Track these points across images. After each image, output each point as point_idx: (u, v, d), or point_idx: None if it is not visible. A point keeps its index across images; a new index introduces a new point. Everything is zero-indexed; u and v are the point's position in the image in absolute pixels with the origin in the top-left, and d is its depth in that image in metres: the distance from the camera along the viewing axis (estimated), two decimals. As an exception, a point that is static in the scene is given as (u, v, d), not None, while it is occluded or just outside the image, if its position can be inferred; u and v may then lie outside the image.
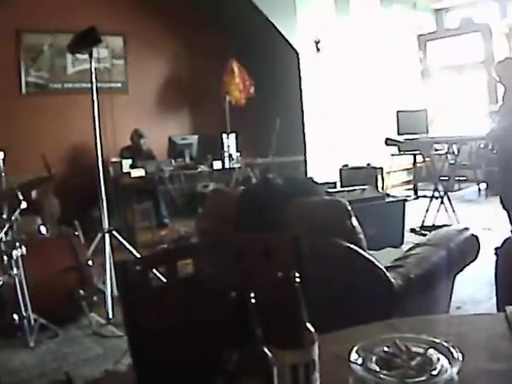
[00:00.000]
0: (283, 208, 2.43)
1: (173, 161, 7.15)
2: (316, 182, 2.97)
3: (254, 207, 2.57)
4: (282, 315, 1.05)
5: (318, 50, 8.93)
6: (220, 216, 2.71)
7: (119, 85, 8.57)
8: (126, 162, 6.87)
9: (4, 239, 3.81)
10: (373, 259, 2.47)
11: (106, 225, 4.97)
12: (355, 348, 1.25)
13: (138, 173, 6.75)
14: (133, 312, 1.34)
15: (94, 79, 5.00)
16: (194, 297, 1.41)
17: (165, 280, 1.40)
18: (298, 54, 8.81)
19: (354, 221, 2.50)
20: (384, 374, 1.17)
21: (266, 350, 0.97)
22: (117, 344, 3.85)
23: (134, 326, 1.35)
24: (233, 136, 7.60)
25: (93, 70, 5.02)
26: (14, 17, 7.72)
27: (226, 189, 4.46)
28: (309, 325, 1.08)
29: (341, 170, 7.90)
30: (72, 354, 3.74)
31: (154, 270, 1.46)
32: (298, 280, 1.04)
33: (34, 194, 4.24)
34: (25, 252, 3.83)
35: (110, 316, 4.32)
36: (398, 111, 9.66)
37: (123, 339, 3.88)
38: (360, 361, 1.22)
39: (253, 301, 0.94)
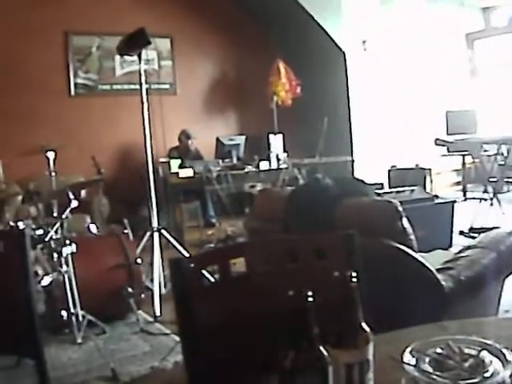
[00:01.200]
0: (333, 208, 2.42)
1: (220, 161, 7.17)
2: (365, 183, 2.95)
3: (304, 207, 2.57)
4: (338, 314, 1.05)
5: (365, 49, 8.86)
6: (269, 216, 2.71)
7: (167, 86, 8.66)
8: (175, 162, 6.92)
9: (54, 237, 3.85)
10: (423, 261, 2.44)
11: (155, 223, 5.03)
12: (409, 349, 1.24)
13: (186, 173, 6.80)
14: (186, 309, 1.35)
15: (143, 80, 5.04)
16: (247, 295, 1.42)
17: (217, 278, 1.41)
18: (344, 53, 8.76)
19: (405, 222, 2.47)
20: (437, 375, 1.17)
21: (322, 348, 0.96)
22: (163, 341, 3.88)
23: (187, 323, 1.36)
24: (279, 136, 7.60)
25: (142, 71, 5.05)
26: (62, 19, 7.89)
27: (274, 189, 4.46)
28: (364, 324, 1.07)
29: (389, 170, 7.82)
30: (119, 351, 3.77)
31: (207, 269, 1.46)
32: (354, 279, 1.04)
33: (83, 193, 4.30)
34: (75, 250, 3.86)
35: (158, 314, 4.35)
36: (447, 111, 9.51)
37: (170, 337, 3.93)
38: (413, 362, 1.21)
39: (310, 299, 0.94)
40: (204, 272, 1.38)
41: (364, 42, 8.82)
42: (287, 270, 1.47)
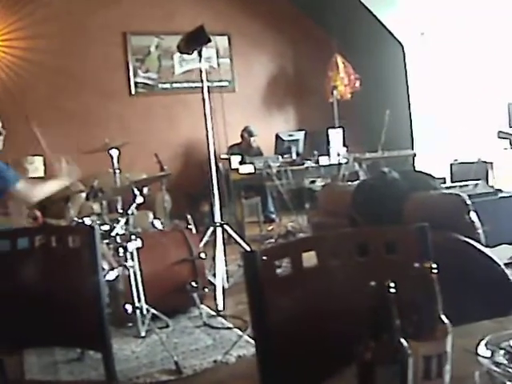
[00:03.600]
0: (400, 202, 2.40)
1: (280, 157, 7.20)
2: (433, 176, 2.91)
3: (371, 201, 2.55)
4: (417, 306, 1.05)
5: (424, 41, 8.72)
6: (333, 210, 2.70)
7: (226, 83, 8.73)
8: (235, 159, 6.97)
9: (120, 232, 3.93)
10: (492, 255, 2.40)
11: (217, 219, 5.08)
12: (483, 342, 1.23)
13: (247, 169, 6.84)
14: (259, 302, 1.37)
15: (203, 78, 5.08)
16: (320, 288, 1.43)
17: (290, 271, 1.41)
18: (402, 45, 8.64)
19: (473, 215, 2.43)
20: None
21: (402, 340, 0.96)
22: (226, 335, 3.91)
23: (260, 315, 1.37)
24: (339, 131, 7.55)
25: (202, 68, 5.09)
26: (120, 20, 8.06)
27: (338, 183, 4.43)
28: (443, 316, 1.06)
29: (451, 164, 7.68)
30: (182, 345, 3.81)
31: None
32: (433, 271, 1.03)
33: (145, 190, 4.37)
34: (140, 245, 3.92)
35: (220, 308, 4.40)
36: (509, 103, 9.26)
37: (233, 331, 3.95)
38: (488, 354, 1.20)
39: (392, 290, 0.93)
40: (277, 264, 1.39)
41: (422, 33, 8.67)
42: (360, 263, 1.48)
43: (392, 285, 0.93)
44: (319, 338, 1.36)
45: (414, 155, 7.46)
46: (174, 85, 8.60)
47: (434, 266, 1.03)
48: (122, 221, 3.95)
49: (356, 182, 3.32)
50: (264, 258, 1.36)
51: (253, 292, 1.36)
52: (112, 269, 3.84)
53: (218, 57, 8.79)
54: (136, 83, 8.38)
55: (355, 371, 0.99)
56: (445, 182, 6.39)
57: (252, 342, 3.59)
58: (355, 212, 2.57)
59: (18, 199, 3.75)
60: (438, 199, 2.52)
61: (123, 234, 3.92)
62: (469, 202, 2.43)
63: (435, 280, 1.03)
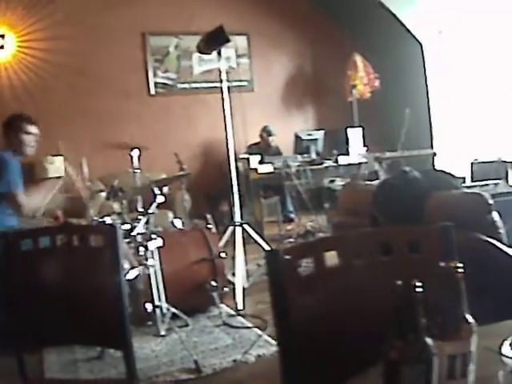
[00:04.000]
0: (421, 201, 2.39)
1: (299, 156, 7.17)
2: (454, 176, 2.90)
3: (392, 200, 2.55)
4: (442, 306, 1.04)
5: (442, 39, 8.66)
6: (354, 210, 2.70)
7: (245, 83, 8.74)
8: (254, 158, 6.97)
9: (141, 231, 3.95)
10: (513, 254, 2.38)
11: (237, 218, 5.09)
12: (507, 341, 1.23)
13: (266, 168, 6.84)
14: (281, 300, 1.37)
15: (223, 78, 5.09)
16: (343, 287, 1.43)
17: (313, 270, 1.42)
18: (421, 44, 8.59)
19: (495, 215, 2.42)
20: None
21: (427, 339, 0.96)
22: (245, 335, 3.91)
23: (283, 314, 1.38)
24: (359, 130, 7.53)
25: (222, 68, 5.10)
26: (139, 21, 8.10)
27: (359, 183, 4.42)
28: (468, 316, 1.06)
29: (472, 163, 7.62)
30: (201, 344, 3.81)
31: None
32: (459, 271, 1.03)
33: (165, 189, 4.38)
34: (160, 244, 3.94)
35: (240, 307, 4.40)
36: (529, 102, 9.18)
37: (252, 330, 3.96)
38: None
39: (419, 290, 0.94)
40: (300, 264, 1.40)
41: (440, 31, 8.62)
42: (383, 263, 1.47)
43: (418, 284, 0.93)
44: (342, 338, 1.37)
45: (434, 154, 7.41)
46: (193, 85, 8.63)
47: (460, 265, 1.03)
48: (143, 220, 3.97)
49: (376, 182, 3.31)
50: (287, 256, 1.36)
51: (275, 291, 1.37)
52: (132, 268, 3.85)
53: (237, 57, 8.80)
54: (155, 83, 8.42)
55: (380, 370, 0.99)
56: (465, 182, 6.34)
57: (271, 341, 3.62)
58: (376, 211, 2.56)
59: (13, 204, 3.89)
60: (459, 198, 2.51)
61: (144, 233, 3.94)
62: (491, 201, 2.42)
63: (461, 279, 1.03)
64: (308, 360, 1.39)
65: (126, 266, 3.85)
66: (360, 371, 1.18)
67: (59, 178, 4.28)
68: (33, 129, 4.17)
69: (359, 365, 1.19)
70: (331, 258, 1.47)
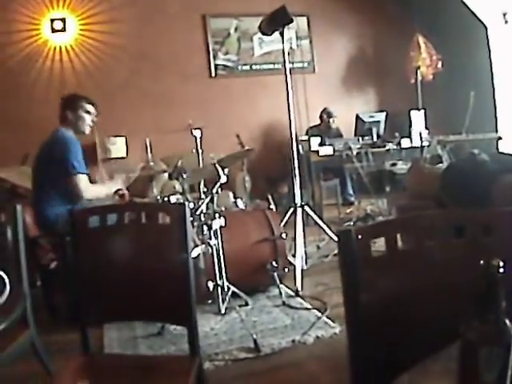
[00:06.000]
0: (489, 184, 2.35)
1: (360, 139, 7.08)
2: (523, 159, 2.83)
3: (459, 183, 2.51)
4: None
5: (506, 21, 8.41)
6: (420, 192, 2.67)
7: (306, 64, 8.68)
8: (315, 140, 6.94)
9: (204, 211, 4.01)
10: None
11: (298, 200, 5.08)
12: None
13: (326, 151, 6.80)
14: (353, 280, 1.38)
15: (286, 59, 5.06)
16: (417, 268, 1.43)
17: (386, 251, 1.42)
18: (485, 26, 8.36)
19: None
20: None
21: (507, 321, 0.96)
22: (304, 316, 3.92)
23: (354, 294, 1.39)
24: (421, 113, 7.40)
25: (285, 49, 5.08)
26: (199, 3, 8.13)
27: (425, 166, 4.34)
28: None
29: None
30: (260, 323, 3.83)
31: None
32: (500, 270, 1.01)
33: (226, 170, 4.41)
34: (223, 223, 3.98)
35: (299, 288, 4.40)
36: None
37: (311, 312, 3.96)
38: None
39: (501, 270, 0.93)
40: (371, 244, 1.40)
41: (505, 14, 8.36)
42: (456, 245, 1.47)
43: (501, 264, 0.92)
44: (414, 319, 1.37)
45: (499, 138, 7.23)
46: (254, 66, 8.65)
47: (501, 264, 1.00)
48: (207, 199, 4.03)
49: (440, 165, 3.26)
50: (359, 236, 1.37)
51: (347, 270, 1.38)
52: (195, 246, 3.91)
53: (297, 38, 8.75)
54: (216, 65, 8.47)
55: (451, 353, 0.99)
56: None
57: (330, 323, 3.64)
58: (444, 194, 2.53)
59: (73, 188, 3.94)
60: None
61: (208, 213, 3.99)
62: None
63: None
64: (377, 341, 1.39)
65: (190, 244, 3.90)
66: (430, 353, 1.18)
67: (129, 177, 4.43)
68: (91, 108, 4.24)
69: (430, 347, 1.19)
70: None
